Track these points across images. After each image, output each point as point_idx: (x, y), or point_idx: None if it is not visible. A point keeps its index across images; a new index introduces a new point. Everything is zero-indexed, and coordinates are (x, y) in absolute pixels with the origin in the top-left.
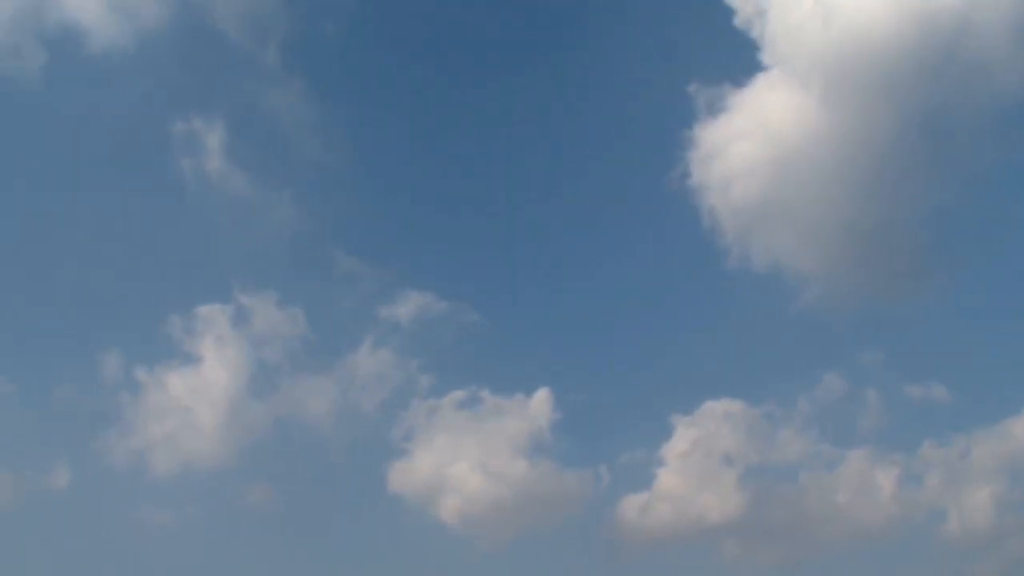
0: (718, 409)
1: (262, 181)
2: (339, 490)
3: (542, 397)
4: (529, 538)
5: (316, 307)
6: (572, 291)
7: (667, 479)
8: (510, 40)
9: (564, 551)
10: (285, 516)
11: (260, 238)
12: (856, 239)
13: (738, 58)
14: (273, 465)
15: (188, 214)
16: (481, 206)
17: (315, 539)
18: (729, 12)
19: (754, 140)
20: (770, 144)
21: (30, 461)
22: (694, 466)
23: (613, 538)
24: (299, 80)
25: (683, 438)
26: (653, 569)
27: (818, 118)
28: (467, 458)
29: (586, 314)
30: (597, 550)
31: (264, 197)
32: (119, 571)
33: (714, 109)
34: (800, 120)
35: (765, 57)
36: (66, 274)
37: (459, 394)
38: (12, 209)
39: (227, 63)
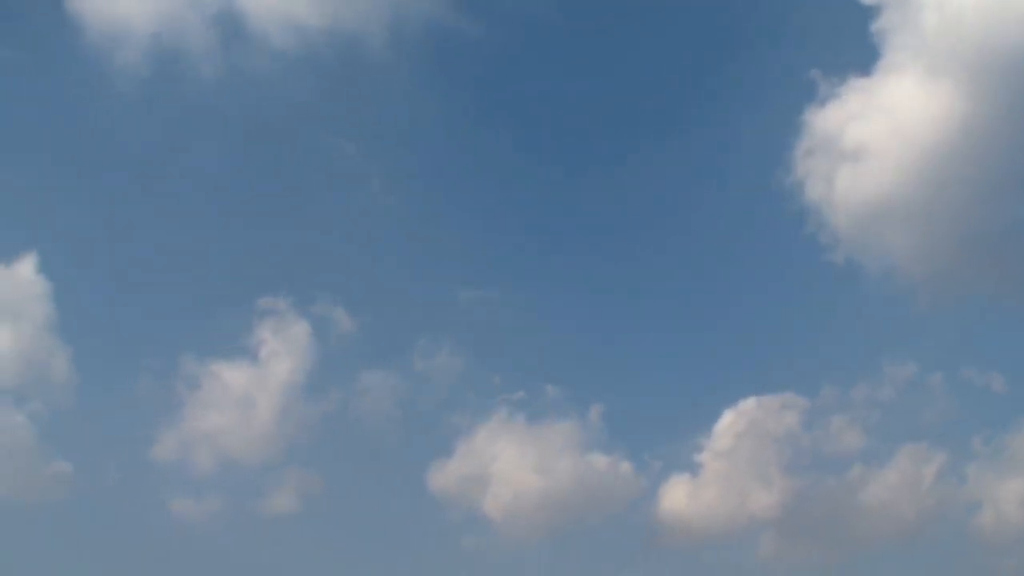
0: (773, 401)
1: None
2: (385, 486)
3: (596, 403)
4: (572, 533)
5: (378, 306)
6: (644, 278)
7: (713, 472)
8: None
9: (607, 545)
10: (330, 510)
11: (327, 237)
12: (971, 239)
13: (866, 44)
14: (321, 461)
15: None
16: (556, 203)
17: (358, 534)
18: None
19: (878, 130)
20: (896, 135)
21: (91, 453)
22: (742, 459)
23: (657, 531)
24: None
25: (733, 430)
26: (696, 562)
27: (951, 112)
28: (516, 455)
29: (647, 305)
30: (640, 543)
31: (335, 199)
32: (167, 563)
33: (834, 97)
34: (931, 113)
35: (896, 45)
36: (149, 271)
37: (518, 394)
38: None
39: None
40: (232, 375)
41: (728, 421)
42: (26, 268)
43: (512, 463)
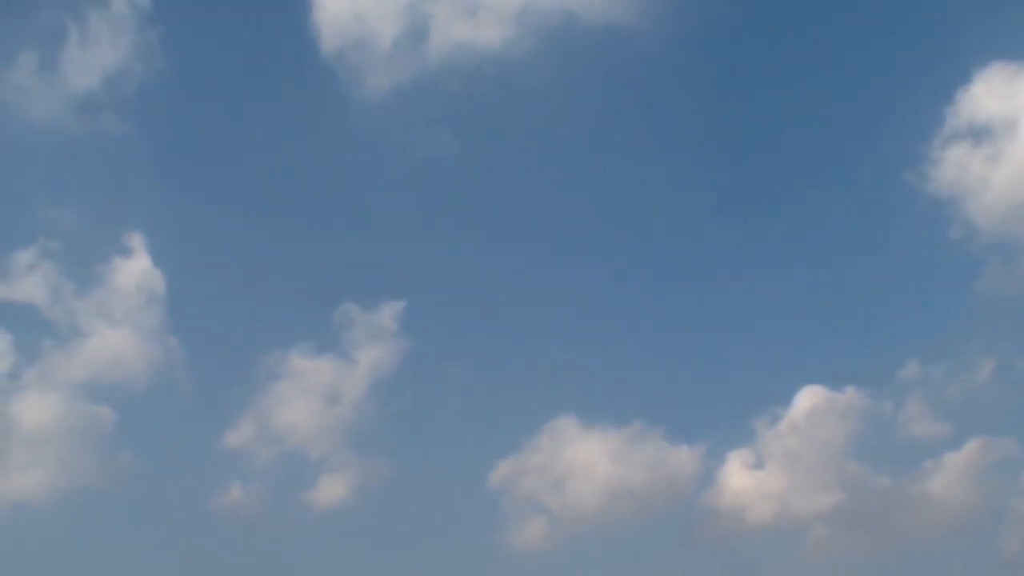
0: (846, 391)
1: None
2: (450, 480)
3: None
4: (630, 525)
5: (457, 305)
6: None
7: (777, 462)
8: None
9: (665, 535)
10: (391, 502)
11: (423, 234)
12: None
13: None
14: (390, 454)
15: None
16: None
17: (418, 524)
18: None
19: None
20: None
21: (165, 444)
22: (809, 449)
23: (717, 521)
24: None
25: (804, 418)
26: (751, 551)
27: None
28: (583, 450)
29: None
30: (698, 534)
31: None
32: (233, 549)
33: (988, 79)
34: None
35: None
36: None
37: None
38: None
39: None
40: (315, 369)
41: (800, 408)
42: (141, 260)
43: (580, 458)
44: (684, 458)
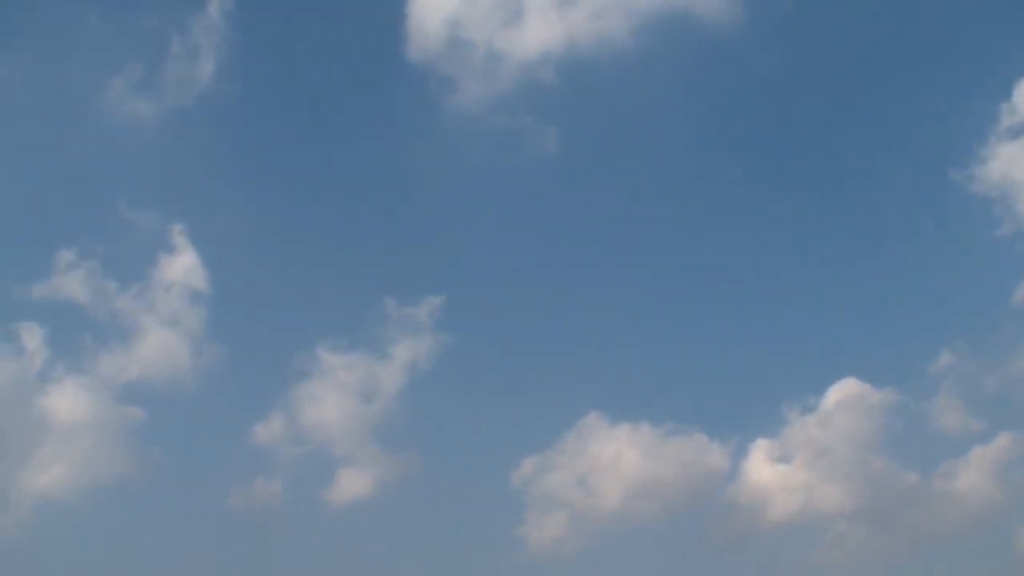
0: (873, 387)
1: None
2: (469, 480)
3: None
4: (654, 522)
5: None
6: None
7: (803, 459)
8: None
9: (686, 532)
10: (413, 496)
11: (468, 232)
12: None
13: None
14: (416, 450)
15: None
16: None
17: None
18: None
19: None
20: None
21: (193, 442)
22: (836, 444)
23: (738, 518)
24: None
25: (834, 412)
26: (781, 548)
27: None
28: (610, 447)
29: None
30: (722, 532)
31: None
32: (260, 541)
33: None
34: None
35: None
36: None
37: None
38: None
39: None
40: (350, 364)
41: (830, 402)
42: (186, 256)
43: (605, 455)
44: (712, 454)
